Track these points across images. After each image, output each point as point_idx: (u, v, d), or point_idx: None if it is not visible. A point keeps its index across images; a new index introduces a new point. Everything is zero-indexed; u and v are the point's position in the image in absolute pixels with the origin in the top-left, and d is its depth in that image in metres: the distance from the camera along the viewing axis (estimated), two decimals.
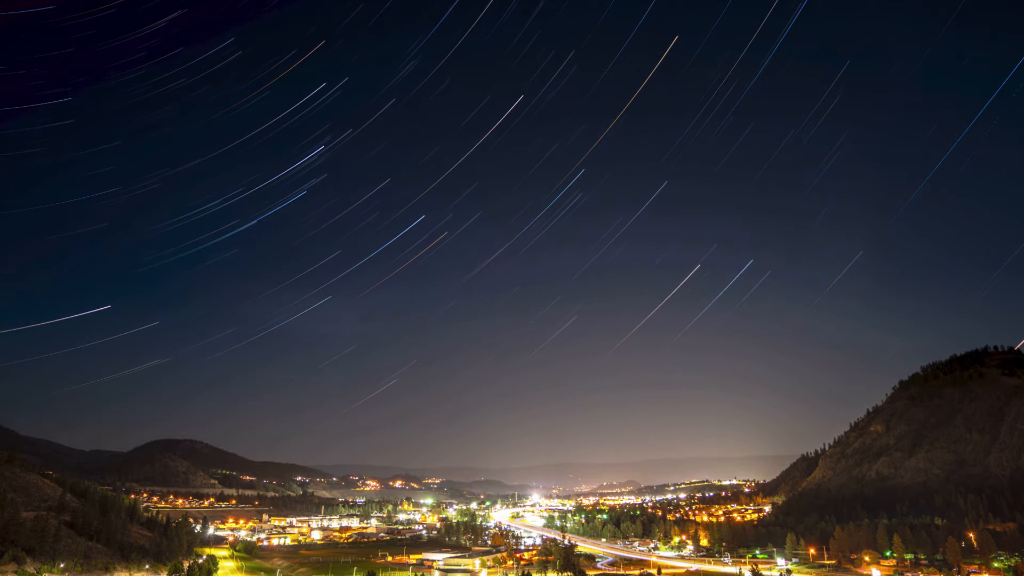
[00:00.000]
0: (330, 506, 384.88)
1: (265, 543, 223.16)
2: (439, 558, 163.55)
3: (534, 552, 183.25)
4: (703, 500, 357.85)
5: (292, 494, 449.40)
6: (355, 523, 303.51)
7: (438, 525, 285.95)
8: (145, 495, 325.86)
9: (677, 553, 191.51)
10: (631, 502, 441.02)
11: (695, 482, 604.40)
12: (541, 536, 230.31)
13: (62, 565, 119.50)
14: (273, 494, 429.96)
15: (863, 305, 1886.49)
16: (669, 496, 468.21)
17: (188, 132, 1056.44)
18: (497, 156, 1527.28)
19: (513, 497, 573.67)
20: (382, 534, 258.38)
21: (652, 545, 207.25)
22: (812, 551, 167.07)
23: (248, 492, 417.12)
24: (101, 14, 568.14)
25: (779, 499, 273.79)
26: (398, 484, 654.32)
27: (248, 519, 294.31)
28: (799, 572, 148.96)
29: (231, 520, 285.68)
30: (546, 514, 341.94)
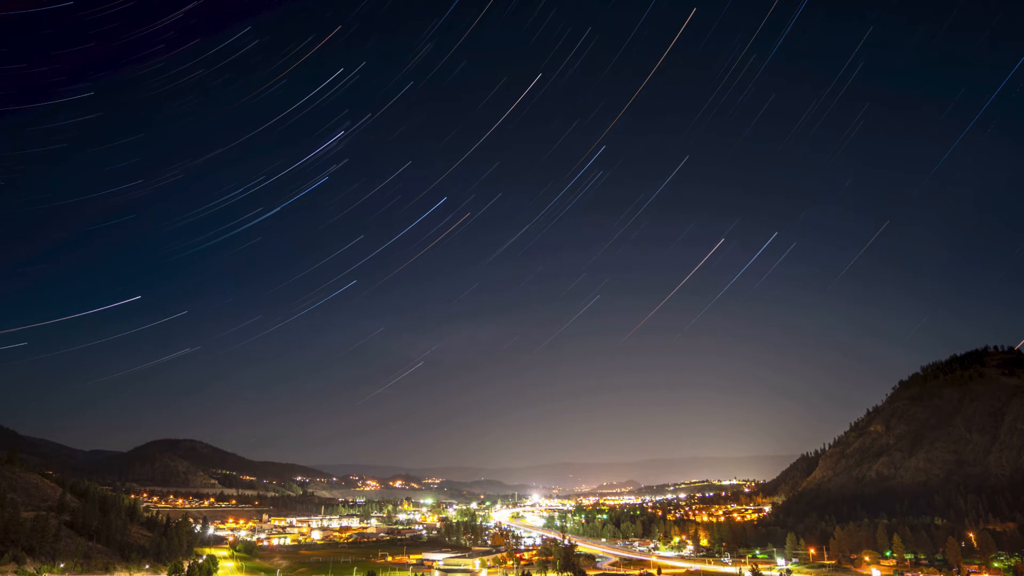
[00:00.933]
0: (330, 506, 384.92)
1: (265, 543, 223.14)
2: (439, 558, 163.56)
3: (534, 552, 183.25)
4: (703, 500, 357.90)
5: (292, 494, 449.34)
6: (355, 523, 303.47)
7: (438, 525, 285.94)
8: (145, 495, 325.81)
9: (677, 553, 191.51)
10: (631, 502, 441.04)
11: (695, 482, 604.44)
12: (541, 536, 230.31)
13: (62, 565, 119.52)
14: (273, 494, 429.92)
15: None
16: (669, 496, 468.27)
17: (209, 122, 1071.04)
18: (517, 136, 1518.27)
19: (513, 497, 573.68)
20: (382, 534, 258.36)
21: (652, 545, 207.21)
22: (812, 551, 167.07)
23: (248, 492, 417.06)
24: (118, 8, 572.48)
25: (779, 499, 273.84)
26: (398, 484, 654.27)
27: (248, 519, 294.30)
28: (799, 572, 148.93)
29: (231, 520, 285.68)
30: (546, 514, 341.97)
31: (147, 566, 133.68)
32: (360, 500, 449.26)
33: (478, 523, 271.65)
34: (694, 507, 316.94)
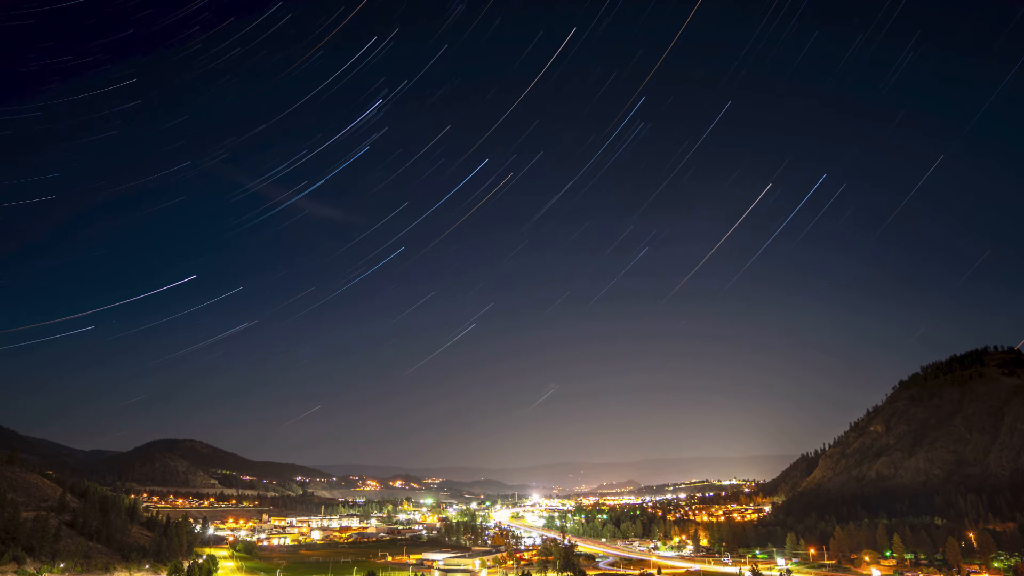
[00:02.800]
0: (330, 506, 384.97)
1: (265, 543, 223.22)
2: (439, 558, 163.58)
3: (534, 552, 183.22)
4: (703, 500, 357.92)
5: (292, 494, 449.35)
6: (355, 523, 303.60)
7: (438, 525, 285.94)
8: (145, 495, 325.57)
9: (677, 553, 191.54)
10: (631, 502, 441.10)
11: (695, 482, 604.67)
12: (541, 536, 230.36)
13: (62, 565, 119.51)
14: (273, 494, 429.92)
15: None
16: (669, 496, 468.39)
17: (249, 100, 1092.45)
18: (555, 92, 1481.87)
19: (513, 497, 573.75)
20: (382, 534, 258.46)
21: (652, 545, 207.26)
22: (812, 551, 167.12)
23: (248, 492, 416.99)
24: None
25: (779, 499, 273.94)
26: (398, 484, 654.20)
27: (248, 519, 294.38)
28: (799, 572, 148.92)
29: (231, 520, 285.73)
30: (546, 514, 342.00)
31: (147, 566, 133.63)
32: (360, 500, 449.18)
33: (478, 523, 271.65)
34: (694, 507, 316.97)
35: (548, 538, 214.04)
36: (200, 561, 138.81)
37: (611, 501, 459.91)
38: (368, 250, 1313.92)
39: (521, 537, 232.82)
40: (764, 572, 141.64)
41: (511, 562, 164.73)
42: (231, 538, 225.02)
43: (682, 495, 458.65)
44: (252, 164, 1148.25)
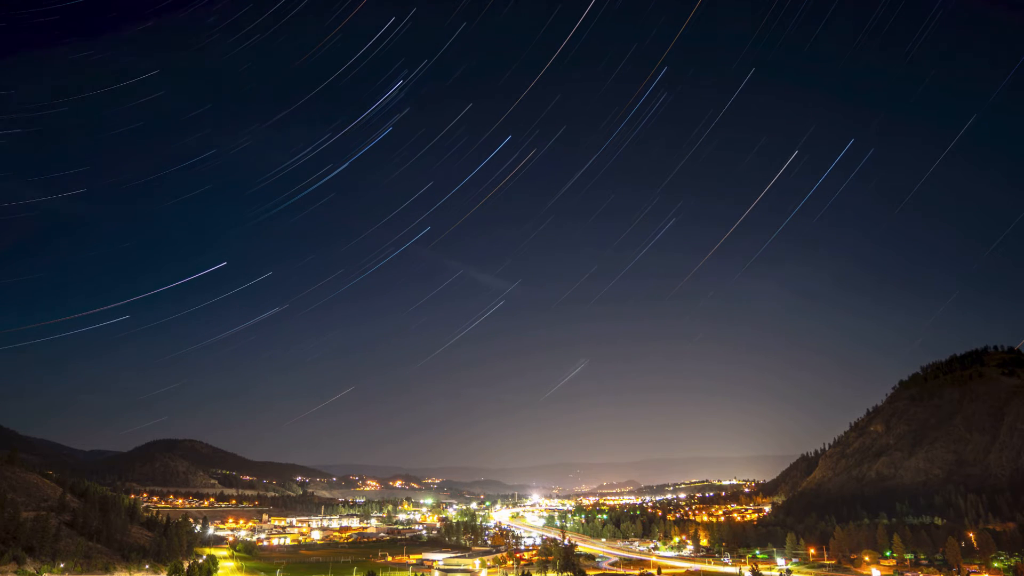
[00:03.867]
0: (330, 506, 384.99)
1: (265, 543, 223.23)
2: (439, 558, 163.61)
3: (534, 552, 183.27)
4: (703, 500, 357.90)
5: (292, 494, 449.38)
6: (355, 523, 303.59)
7: (438, 525, 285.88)
8: (145, 495, 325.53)
9: (677, 553, 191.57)
10: (631, 502, 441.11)
11: (695, 482, 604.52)
12: (541, 536, 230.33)
13: (62, 565, 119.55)
14: (273, 494, 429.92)
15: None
16: (669, 496, 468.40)
17: (270, 86, 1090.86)
18: (575, 66, 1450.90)
19: (513, 497, 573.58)
20: (382, 534, 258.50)
21: (652, 545, 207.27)
22: (812, 551, 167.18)
23: (248, 492, 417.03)
24: None
25: (779, 499, 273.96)
26: (398, 484, 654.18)
27: (248, 519, 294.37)
28: (799, 572, 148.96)
29: (231, 520, 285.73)
30: (546, 514, 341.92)
31: (147, 566, 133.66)
32: (360, 500, 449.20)
33: (478, 523, 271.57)
34: (694, 507, 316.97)
35: (548, 538, 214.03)
36: (200, 561, 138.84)
37: (611, 501, 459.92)
38: (394, 231, 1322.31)
39: (521, 537, 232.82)
40: (764, 572, 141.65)
41: (511, 562, 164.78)
42: (231, 538, 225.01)
43: (682, 495, 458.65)
44: (276, 149, 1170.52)
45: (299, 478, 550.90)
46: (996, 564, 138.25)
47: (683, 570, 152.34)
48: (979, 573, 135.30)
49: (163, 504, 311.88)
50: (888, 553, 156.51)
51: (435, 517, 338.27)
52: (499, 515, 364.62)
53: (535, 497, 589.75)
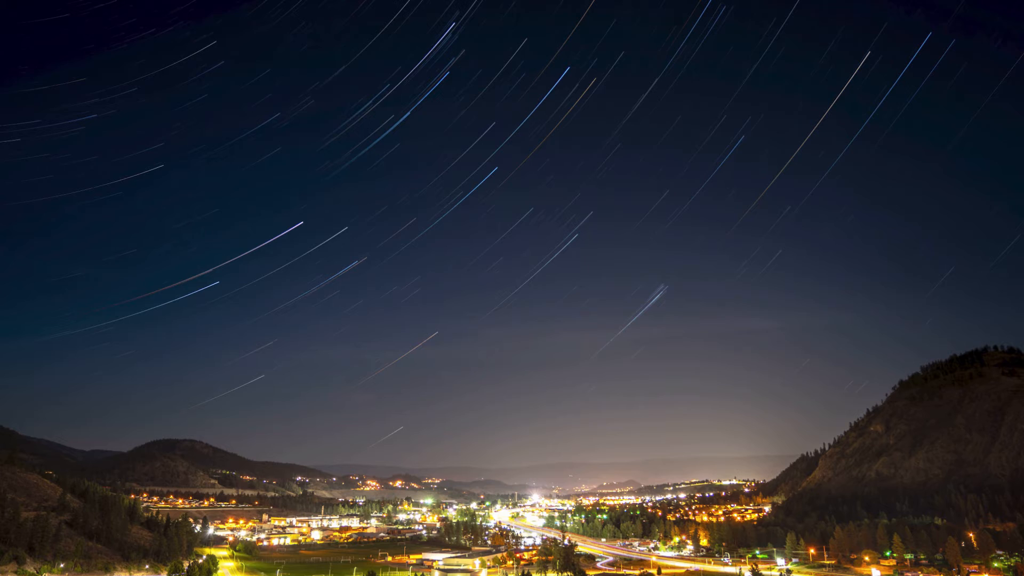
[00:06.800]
0: (330, 506, 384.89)
1: (265, 543, 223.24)
2: (439, 558, 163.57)
3: (534, 552, 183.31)
4: (703, 500, 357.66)
5: (292, 494, 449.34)
6: (355, 523, 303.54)
7: (438, 525, 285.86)
8: (145, 495, 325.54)
9: (677, 553, 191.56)
10: (631, 502, 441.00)
11: (695, 482, 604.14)
12: (541, 536, 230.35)
13: (62, 565, 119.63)
14: (273, 494, 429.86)
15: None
16: (669, 496, 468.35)
17: (325, 44, 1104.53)
18: None
19: (513, 497, 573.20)
20: (382, 534, 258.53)
21: (652, 545, 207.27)
22: (812, 551, 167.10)
23: (248, 492, 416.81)
24: None
25: (779, 499, 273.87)
26: (398, 484, 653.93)
27: (248, 519, 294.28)
28: (799, 572, 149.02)
29: (231, 520, 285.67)
30: (546, 514, 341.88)
31: (147, 566, 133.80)
32: (360, 500, 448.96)
33: (478, 523, 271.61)
34: (694, 507, 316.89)
35: (548, 538, 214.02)
36: (200, 561, 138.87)
37: (611, 501, 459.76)
38: (462, 175, 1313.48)
39: (521, 537, 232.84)
40: (764, 572, 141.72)
41: (511, 562, 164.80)
42: (231, 538, 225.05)
43: (682, 495, 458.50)
44: (338, 105, 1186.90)
45: (299, 478, 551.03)
46: (996, 564, 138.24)
47: (683, 570, 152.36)
48: (979, 573, 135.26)
49: (163, 504, 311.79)
50: (888, 553, 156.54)
51: (435, 517, 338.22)
52: (499, 515, 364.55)
53: (535, 497, 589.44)
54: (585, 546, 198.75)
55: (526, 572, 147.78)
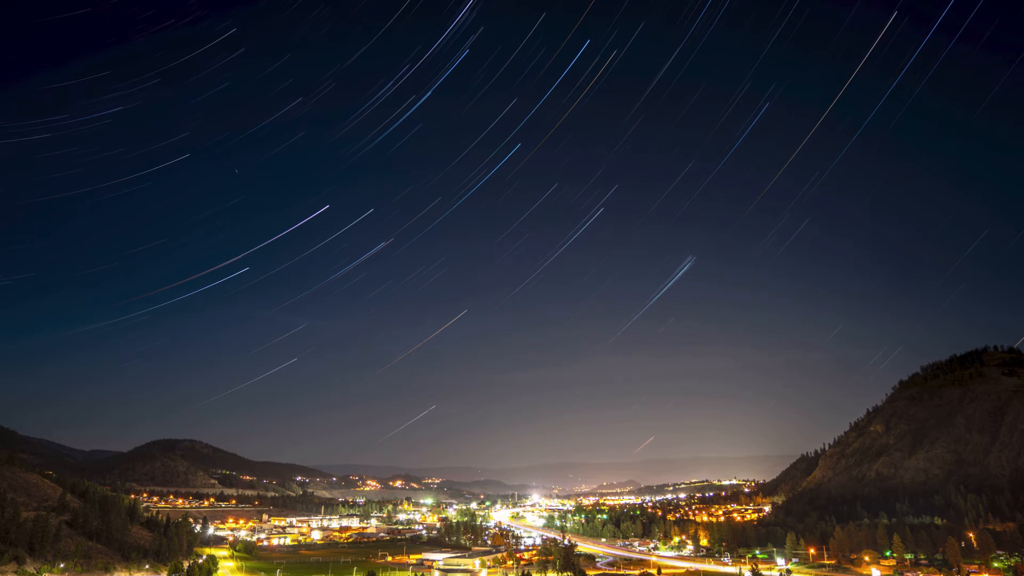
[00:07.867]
0: (330, 506, 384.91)
1: (265, 543, 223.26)
2: (439, 558, 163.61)
3: (534, 552, 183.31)
4: (703, 500, 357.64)
5: (292, 494, 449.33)
6: (355, 523, 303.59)
7: (438, 525, 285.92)
8: (145, 495, 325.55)
9: (677, 553, 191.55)
10: (631, 502, 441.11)
11: (695, 482, 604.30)
12: (541, 536, 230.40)
13: (62, 565, 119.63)
14: (273, 494, 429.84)
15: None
16: (669, 496, 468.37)
17: (343, 27, 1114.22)
18: None
19: (513, 497, 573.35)
20: (382, 534, 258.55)
21: (652, 545, 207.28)
22: (812, 551, 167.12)
23: (248, 492, 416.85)
24: None
25: (779, 499, 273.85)
26: (398, 484, 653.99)
27: (248, 519, 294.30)
28: (799, 572, 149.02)
29: (231, 520, 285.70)
30: (546, 514, 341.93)
31: (147, 566, 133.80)
32: (360, 500, 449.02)
33: (478, 523, 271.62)
34: (694, 507, 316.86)
35: (548, 538, 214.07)
36: (200, 561, 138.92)
37: (611, 501, 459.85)
38: (485, 152, 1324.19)
39: (521, 537, 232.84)
40: (764, 572, 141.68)
41: (511, 562, 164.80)
42: (231, 538, 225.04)
43: (682, 495, 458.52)
44: (359, 88, 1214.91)
45: (299, 478, 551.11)
46: (996, 564, 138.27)
47: (683, 570, 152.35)
48: (979, 573, 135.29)
49: (163, 504, 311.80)
50: (888, 553, 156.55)
51: (435, 517, 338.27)
52: (499, 515, 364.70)
53: (535, 497, 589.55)
54: (585, 546, 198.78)
55: (526, 572, 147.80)
